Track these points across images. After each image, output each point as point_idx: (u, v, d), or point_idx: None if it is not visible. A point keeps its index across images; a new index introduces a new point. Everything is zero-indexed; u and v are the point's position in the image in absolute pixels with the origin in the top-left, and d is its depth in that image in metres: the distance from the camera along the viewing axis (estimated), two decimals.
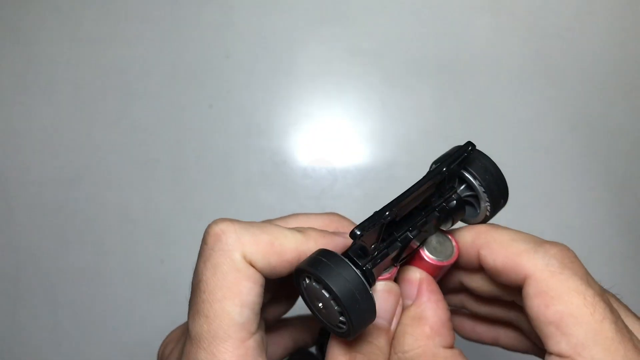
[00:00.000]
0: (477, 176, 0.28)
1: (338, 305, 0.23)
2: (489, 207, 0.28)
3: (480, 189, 0.28)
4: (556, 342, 0.23)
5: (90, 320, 0.55)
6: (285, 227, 0.27)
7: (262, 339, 0.27)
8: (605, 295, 0.24)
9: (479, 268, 0.28)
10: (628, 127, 0.60)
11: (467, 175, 0.28)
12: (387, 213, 0.25)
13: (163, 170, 0.58)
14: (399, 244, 0.27)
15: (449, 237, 0.28)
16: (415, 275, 0.28)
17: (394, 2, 0.62)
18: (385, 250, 0.26)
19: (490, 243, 0.26)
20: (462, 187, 0.29)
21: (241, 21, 0.61)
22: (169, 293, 0.55)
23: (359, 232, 0.24)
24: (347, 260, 0.24)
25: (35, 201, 0.57)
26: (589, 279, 0.24)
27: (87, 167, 0.58)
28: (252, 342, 0.25)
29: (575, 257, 0.25)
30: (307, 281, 0.24)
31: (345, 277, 0.24)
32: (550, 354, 0.23)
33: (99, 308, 0.56)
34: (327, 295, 0.24)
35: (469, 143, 0.27)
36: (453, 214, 0.28)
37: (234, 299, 0.25)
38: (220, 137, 0.59)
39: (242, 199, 0.58)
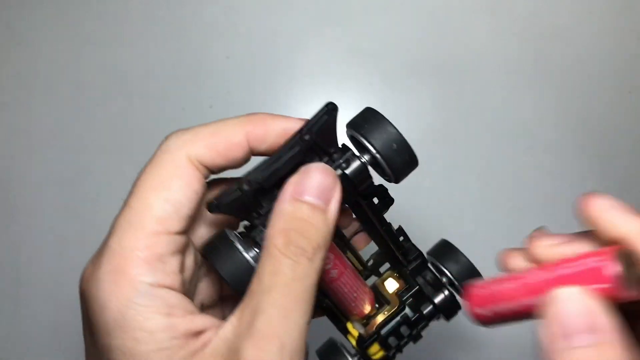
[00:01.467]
0: (370, 140, 0.27)
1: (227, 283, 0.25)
2: (391, 173, 0.28)
3: (374, 152, 0.27)
4: None
5: None
6: (228, 118, 0.28)
7: (183, 258, 0.27)
8: None
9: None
10: (628, 127, 0.60)
11: (362, 139, 0.28)
12: (243, 185, 0.25)
13: None
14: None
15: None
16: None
17: (394, 2, 0.62)
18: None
19: None
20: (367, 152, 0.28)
21: (241, 21, 0.61)
22: None
23: (214, 204, 0.25)
24: (237, 243, 0.25)
25: (36, 201, 0.57)
26: None
27: (87, 167, 0.58)
28: (165, 239, 0.25)
29: None
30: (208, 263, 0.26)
31: (235, 264, 0.25)
32: None
33: None
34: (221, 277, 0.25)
35: (329, 103, 0.28)
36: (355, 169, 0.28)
37: (159, 192, 0.26)
38: None
39: None
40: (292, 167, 0.26)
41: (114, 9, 0.61)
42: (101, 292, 0.25)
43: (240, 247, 0.26)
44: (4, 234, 0.57)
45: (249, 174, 0.26)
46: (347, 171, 0.27)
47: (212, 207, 0.26)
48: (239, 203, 0.26)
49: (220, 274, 0.25)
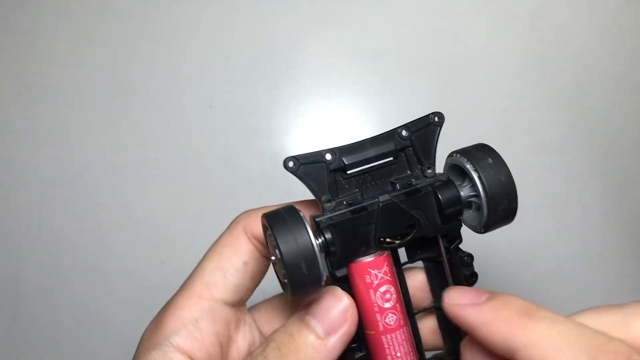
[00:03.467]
0: (482, 177, 0.25)
1: (283, 267, 0.23)
2: (486, 215, 0.26)
3: (483, 195, 0.25)
4: None
5: (90, 320, 0.55)
6: (303, 201, 0.28)
7: (226, 320, 0.27)
8: None
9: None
10: (628, 127, 0.60)
11: (472, 173, 0.25)
12: (327, 154, 0.25)
13: (163, 170, 0.58)
14: (366, 208, 0.25)
15: None
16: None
17: (394, 2, 0.62)
18: (347, 208, 0.25)
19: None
20: (469, 185, 0.26)
21: (241, 21, 0.61)
22: (169, 293, 0.55)
23: (290, 160, 0.24)
24: (305, 221, 0.23)
25: (35, 201, 0.57)
26: None
27: (87, 167, 0.58)
28: (207, 305, 0.26)
29: None
30: (269, 232, 0.24)
31: (296, 240, 0.22)
32: None
33: (99, 308, 0.56)
34: (277, 253, 0.23)
35: (438, 112, 0.26)
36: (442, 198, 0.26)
37: (212, 260, 0.27)
38: (220, 137, 0.59)
39: (242, 199, 0.58)
40: (378, 164, 0.26)
41: (114, 9, 0.61)
42: (141, 338, 0.27)
43: (308, 227, 0.23)
44: (4, 234, 0.57)
45: (335, 149, 0.25)
46: (439, 194, 0.25)
47: (288, 160, 0.25)
48: (316, 170, 0.25)
49: (277, 247, 0.22)
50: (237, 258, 0.27)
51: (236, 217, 0.29)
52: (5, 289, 0.56)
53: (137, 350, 0.27)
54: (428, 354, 0.30)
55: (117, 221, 0.57)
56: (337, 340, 0.24)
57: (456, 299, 0.24)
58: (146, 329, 0.27)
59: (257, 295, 0.31)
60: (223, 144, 0.59)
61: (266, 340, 0.25)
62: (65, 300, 0.56)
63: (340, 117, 0.59)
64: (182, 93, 0.60)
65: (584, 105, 0.60)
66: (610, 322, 0.21)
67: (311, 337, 0.24)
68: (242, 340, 0.28)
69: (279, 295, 0.31)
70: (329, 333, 0.24)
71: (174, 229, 0.57)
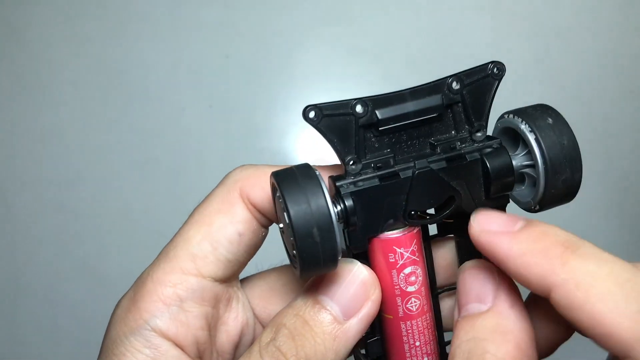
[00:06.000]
0: (540, 139, 0.20)
1: (292, 235, 0.19)
2: (542, 187, 0.21)
3: (540, 161, 0.21)
4: None
5: (90, 320, 0.55)
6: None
7: (215, 299, 0.23)
8: None
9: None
10: (628, 127, 0.60)
11: (528, 135, 0.21)
12: (357, 105, 0.20)
13: (163, 170, 0.58)
14: (398, 175, 0.21)
15: None
16: (489, 272, 0.21)
17: (394, 2, 0.62)
18: (375, 173, 0.20)
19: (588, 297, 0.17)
20: (523, 153, 0.22)
21: (241, 21, 0.61)
22: None
23: (311, 109, 0.20)
24: (322, 182, 0.19)
25: (35, 201, 0.57)
26: None
27: (87, 167, 0.58)
28: (194, 282, 0.22)
29: None
30: (277, 194, 0.20)
31: (309, 203, 0.18)
32: None
33: (99, 308, 0.56)
34: (286, 218, 0.19)
35: (497, 62, 0.22)
36: (491, 166, 0.21)
37: (200, 227, 0.23)
38: (220, 137, 0.59)
39: None
40: (418, 120, 0.21)
41: (113, 9, 0.61)
42: (114, 316, 0.23)
43: (326, 189, 0.19)
44: (3, 234, 0.57)
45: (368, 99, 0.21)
46: (489, 162, 0.21)
47: (309, 109, 0.21)
48: (343, 123, 0.20)
49: (286, 210, 0.18)
50: (231, 228, 0.22)
51: (230, 173, 0.24)
52: (5, 289, 0.56)
53: (109, 332, 0.22)
54: (448, 336, 0.25)
55: (117, 221, 0.57)
56: (358, 323, 0.20)
57: (487, 224, 0.20)
58: (119, 305, 0.23)
59: (250, 269, 0.27)
60: (223, 144, 0.59)
61: (274, 324, 0.21)
62: (65, 300, 0.56)
63: None
64: (182, 93, 0.59)
65: (584, 105, 0.60)
66: None
67: (328, 322, 0.20)
68: (234, 322, 0.24)
69: (277, 270, 0.27)
70: (348, 316, 0.20)
71: (174, 229, 0.57)
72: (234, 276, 0.24)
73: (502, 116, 0.23)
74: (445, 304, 0.26)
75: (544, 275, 0.18)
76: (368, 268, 0.21)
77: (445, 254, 0.26)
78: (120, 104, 0.59)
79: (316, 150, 0.59)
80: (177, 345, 0.22)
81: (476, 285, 0.21)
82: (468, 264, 0.22)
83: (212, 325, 0.23)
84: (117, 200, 0.57)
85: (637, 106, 0.61)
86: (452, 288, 0.25)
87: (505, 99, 0.61)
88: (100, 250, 0.57)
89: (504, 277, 0.20)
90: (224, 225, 0.23)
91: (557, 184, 0.21)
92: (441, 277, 0.26)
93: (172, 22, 0.61)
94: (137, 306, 0.22)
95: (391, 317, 0.22)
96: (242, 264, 0.24)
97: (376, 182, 0.21)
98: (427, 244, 0.24)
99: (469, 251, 0.24)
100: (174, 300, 0.22)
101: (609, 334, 0.17)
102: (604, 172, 0.59)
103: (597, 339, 0.17)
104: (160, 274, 0.22)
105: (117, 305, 0.23)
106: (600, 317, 0.17)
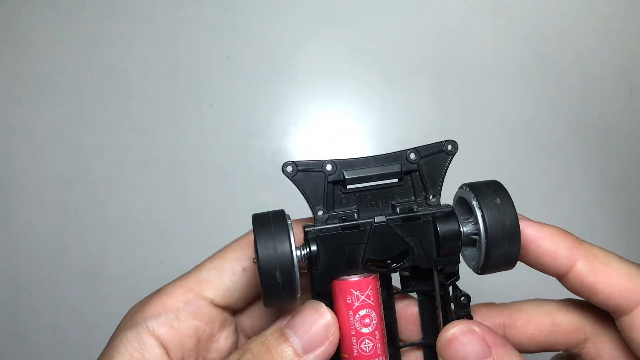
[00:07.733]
0: (485, 216, 0.24)
1: (258, 273, 0.22)
2: (483, 257, 0.24)
3: (483, 235, 0.24)
4: None
5: (90, 320, 0.55)
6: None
7: (209, 317, 0.27)
8: None
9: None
10: (627, 127, 0.60)
11: (476, 210, 0.24)
12: (327, 164, 0.24)
13: (163, 170, 0.58)
14: (359, 226, 0.24)
15: None
16: (469, 325, 0.24)
17: (394, 2, 0.62)
18: (340, 223, 0.24)
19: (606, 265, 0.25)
20: (474, 222, 0.25)
21: (241, 21, 0.61)
22: None
23: (289, 164, 0.24)
24: (290, 229, 0.23)
25: (35, 201, 0.57)
26: None
27: (87, 167, 0.58)
28: (193, 299, 0.26)
29: None
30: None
31: (275, 247, 0.22)
32: None
33: (99, 307, 0.56)
34: (256, 255, 0.23)
35: (451, 141, 0.25)
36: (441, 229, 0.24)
37: (212, 260, 0.27)
38: (220, 137, 0.59)
39: (242, 199, 0.58)
40: (380, 183, 0.25)
41: (113, 9, 0.61)
42: (130, 310, 0.27)
43: (292, 236, 0.23)
44: (3, 234, 0.57)
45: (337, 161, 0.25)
46: (438, 225, 0.24)
47: (287, 164, 0.24)
48: (315, 179, 0.24)
49: (256, 250, 0.22)
50: (237, 262, 0.27)
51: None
52: (5, 289, 0.56)
53: (118, 326, 0.27)
54: None
55: (117, 221, 0.57)
56: (315, 359, 0.23)
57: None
58: (132, 308, 0.28)
59: None
60: (223, 144, 0.59)
61: (242, 348, 0.24)
62: (65, 300, 0.56)
63: (340, 117, 0.59)
64: (182, 93, 0.60)
65: (584, 105, 0.60)
66: None
67: (288, 353, 0.23)
68: (224, 341, 0.28)
69: None
70: (307, 350, 0.23)
71: (174, 229, 0.57)
72: (231, 307, 0.28)
73: (461, 186, 0.26)
74: (407, 359, 0.29)
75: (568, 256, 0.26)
76: (331, 311, 0.24)
77: (410, 310, 0.29)
78: (120, 104, 0.59)
79: (316, 150, 0.59)
80: (163, 346, 0.26)
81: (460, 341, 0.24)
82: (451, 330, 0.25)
83: (202, 339, 0.27)
84: (117, 200, 0.57)
85: (636, 106, 0.61)
86: (414, 344, 0.29)
87: (506, 99, 0.61)
88: (100, 250, 0.57)
89: (492, 332, 0.24)
90: (232, 259, 0.27)
91: (496, 257, 0.24)
92: (407, 332, 0.29)
93: (172, 22, 0.61)
94: (144, 308, 0.26)
95: (347, 356, 0.25)
96: (242, 298, 0.28)
97: (339, 230, 0.24)
98: (390, 297, 0.28)
99: (430, 310, 0.28)
100: (172, 308, 0.26)
101: (625, 289, 0.24)
102: (602, 172, 0.59)
103: (613, 295, 0.24)
104: (169, 288, 0.27)
105: (131, 308, 0.28)
106: (615, 278, 0.25)
